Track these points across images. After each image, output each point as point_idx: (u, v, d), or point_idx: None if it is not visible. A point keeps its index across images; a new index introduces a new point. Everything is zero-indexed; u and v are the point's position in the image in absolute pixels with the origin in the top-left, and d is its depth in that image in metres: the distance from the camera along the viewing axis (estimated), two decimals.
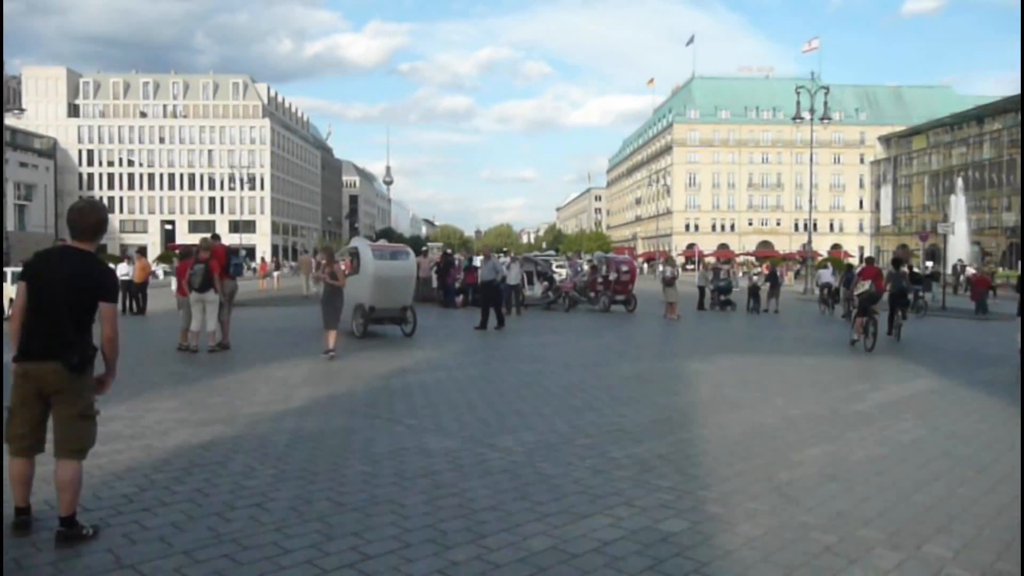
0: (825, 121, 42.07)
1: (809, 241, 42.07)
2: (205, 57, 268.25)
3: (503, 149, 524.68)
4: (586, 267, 27.62)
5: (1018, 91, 64.24)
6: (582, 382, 9.60)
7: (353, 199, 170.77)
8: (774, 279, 25.44)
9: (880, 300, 15.99)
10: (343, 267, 12.21)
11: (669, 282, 21.01)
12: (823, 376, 10.74)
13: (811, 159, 43.50)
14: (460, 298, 23.86)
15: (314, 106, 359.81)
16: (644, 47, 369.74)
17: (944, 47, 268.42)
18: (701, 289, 25.94)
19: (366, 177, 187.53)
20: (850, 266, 32.97)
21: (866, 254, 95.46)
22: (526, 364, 11.19)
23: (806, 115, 40.43)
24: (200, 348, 11.82)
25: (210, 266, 11.64)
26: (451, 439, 6.40)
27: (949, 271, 39.32)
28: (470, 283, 23.27)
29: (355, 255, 14.28)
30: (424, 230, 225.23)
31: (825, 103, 40.73)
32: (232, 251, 12.75)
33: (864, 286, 14.68)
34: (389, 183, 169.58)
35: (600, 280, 23.72)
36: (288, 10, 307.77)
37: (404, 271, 14.34)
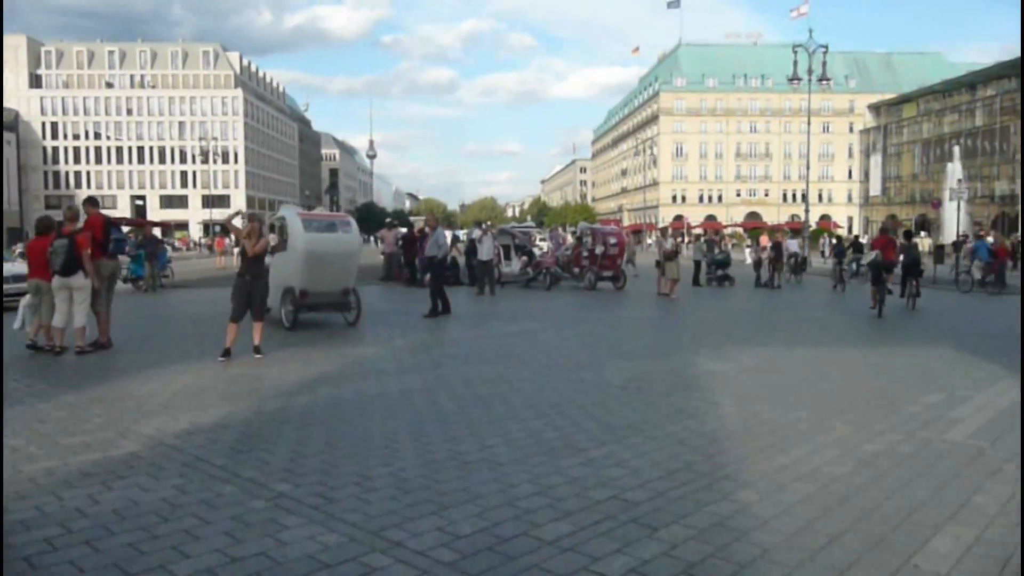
0: (824, 83, 39.37)
1: (807, 211, 39.58)
2: (182, 29, 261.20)
3: (488, 122, 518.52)
4: (570, 239, 25.06)
5: (1010, 57, 61.99)
6: (560, 396, 7.01)
7: (333, 172, 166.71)
8: (778, 252, 22.96)
9: (892, 269, 15.85)
10: (266, 240, 9.48)
11: (670, 256, 18.41)
12: (877, 379, 8.22)
13: (808, 122, 41.11)
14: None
15: (295, 79, 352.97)
16: (629, 19, 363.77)
17: (932, 16, 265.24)
18: (697, 263, 23.55)
19: (346, 150, 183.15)
20: (839, 238, 32.16)
21: (854, 225, 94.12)
22: (489, 365, 8.58)
23: (798, 78, 37.94)
24: (69, 347, 9.13)
25: (77, 241, 8.90)
26: (330, 529, 3.78)
27: (951, 241, 37.02)
28: None
29: (283, 227, 11.55)
30: (408, 204, 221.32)
31: (824, 63, 38.06)
32: (113, 223, 9.99)
33: (872, 255, 15.02)
34: (372, 157, 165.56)
35: (585, 254, 21.09)
36: None
37: (344, 246, 11.57)
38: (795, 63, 37.86)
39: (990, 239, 34.74)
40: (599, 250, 20.55)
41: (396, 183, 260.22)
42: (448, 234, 18.00)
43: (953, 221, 49.23)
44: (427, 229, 16.14)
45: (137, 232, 23.29)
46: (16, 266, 16.46)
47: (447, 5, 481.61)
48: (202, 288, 20.65)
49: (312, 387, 7.26)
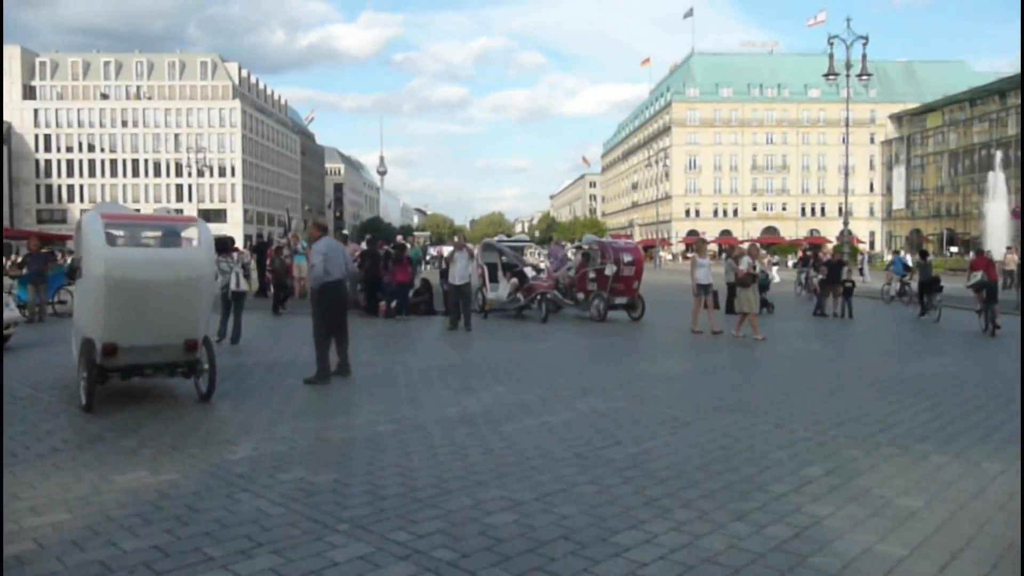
0: (864, 78, 34.72)
1: (845, 223, 34.68)
2: (197, 49, 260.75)
3: (498, 139, 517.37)
4: (572, 256, 20.40)
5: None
6: None
7: (337, 187, 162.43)
8: (834, 272, 18.14)
9: (996, 289, 14.86)
10: None
11: (744, 281, 13.66)
12: None
13: (847, 123, 36.61)
14: (394, 304, 16.54)
15: (307, 96, 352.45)
16: (639, 36, 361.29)
17: (952, 25, 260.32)
18: (731, 286, 18.83)
19: (352, 165, 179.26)
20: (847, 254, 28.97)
21: (877, 240, 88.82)
22: (369, 546, 3.90)
23: (834, 74, 33.50)
24: None
25: None
26: None
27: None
28: (399, 282, 15.88)
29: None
30: (415, 219, 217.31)
31: (864, 56, 33.46)
32: None
33: (975, 276, 14.69)
34: (383, 173, 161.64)
35: (592, 275, 16.38)
36: (280, 0, 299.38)
37: (177, 270, 6.79)
38: (831, 56, 33.26)
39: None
40: (610, 270, 15.85)
41: (406, 199, 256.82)
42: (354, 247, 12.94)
43: (999, 233, 44.46)
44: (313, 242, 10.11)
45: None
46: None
47: (458, 24, 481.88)
48: None
49: None
